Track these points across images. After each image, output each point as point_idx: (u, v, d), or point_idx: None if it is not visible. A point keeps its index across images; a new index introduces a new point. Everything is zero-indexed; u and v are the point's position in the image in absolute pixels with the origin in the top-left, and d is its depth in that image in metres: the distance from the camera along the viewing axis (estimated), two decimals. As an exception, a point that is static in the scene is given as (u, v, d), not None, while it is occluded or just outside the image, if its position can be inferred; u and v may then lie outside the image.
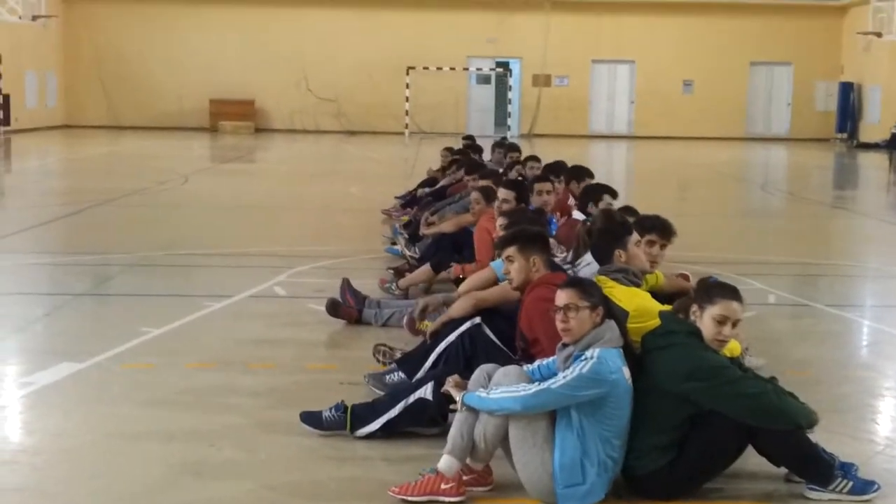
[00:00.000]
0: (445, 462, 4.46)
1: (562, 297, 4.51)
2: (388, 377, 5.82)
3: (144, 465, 4.79)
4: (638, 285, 5.42)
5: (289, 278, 9.27)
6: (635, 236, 5.81)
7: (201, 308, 7.93)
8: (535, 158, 11.94)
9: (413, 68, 34.95)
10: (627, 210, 7.20)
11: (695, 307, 4.53)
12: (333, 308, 7.56)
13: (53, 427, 5.29)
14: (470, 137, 17.85)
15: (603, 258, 5.68)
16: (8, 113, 31.94)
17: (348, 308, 7.56)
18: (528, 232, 5.60)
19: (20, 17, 30.35)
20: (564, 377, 4.34)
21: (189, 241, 11.68)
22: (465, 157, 13.56)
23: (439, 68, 35.25)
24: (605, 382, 4.31)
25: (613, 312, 4.58)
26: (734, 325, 4.47)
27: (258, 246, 11.29)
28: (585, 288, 4.55)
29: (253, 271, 9.69)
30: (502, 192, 8.28)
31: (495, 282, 6.69)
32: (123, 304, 8.47)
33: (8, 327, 7.44)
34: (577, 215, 8.02)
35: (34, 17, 30.99)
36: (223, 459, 4.89)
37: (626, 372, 4.40)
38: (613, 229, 5.84)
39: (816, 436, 4.57)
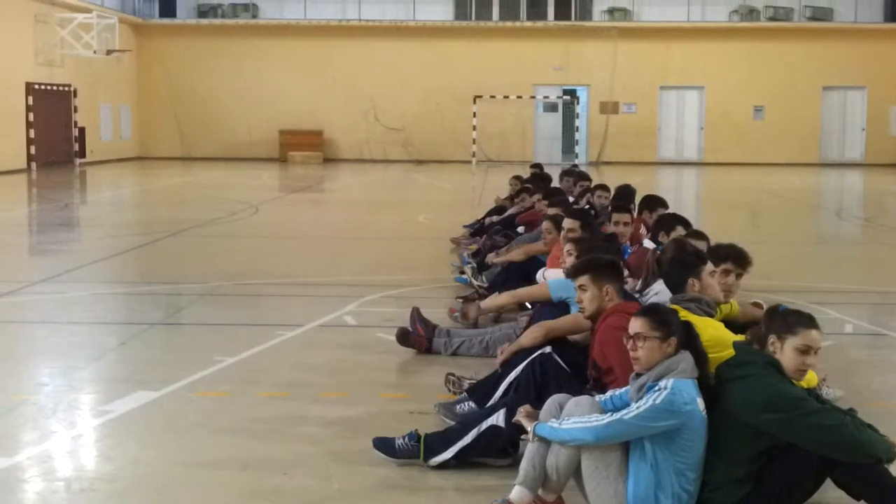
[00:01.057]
0: (517, 493, 4.42)
1: (634, 325, 4.46)
2: (458, 407, 5.80)
3: (219, 493, 4.82)
4: (711, 315, 5.33)
5: (358, 307, 9.30)
6: (710, 266, 5.71)
7: (273, 337, 7.99)
8: (604, 188, 11.85)
9: (480, 97, 35.08)
10: (697, 235, 7.09)
11: (773, 338, 4.41)
12: (403, 337, 7.56)
13: (129, 455, 5.35)
14: (538, 166, 17.83)
15: (676, 287, 5.61)
16: (84, 145, 32.69)
17: (418, 337, 7.55)
18: (601, 261, 5.56)
19: (95, 52, 31.07)
20: (638, 408, 4.27)
21: (260, 270, 11.79)
22: (536, 184, 13.49)
23: (506, 97, 35.33)
24: (679, 413, 4.24)
25: (693, 342, 4.50)
26: (815, 353, 4.37)
27: (328, 275, 11.36)
28: (658, 317, 4.47)
29: (323, 300, 9.75)
30: (567, 222, 8.26)
31: (547, 299, 6.66)
32: (196, 334, 8.57)
33: (84, 356, 7.56)
34: (648, 244, 7.94)
35: (108, 52, 31.70)
36: (296, 487, 4.90)
37: (701, 403, 4.32)
38: (686, 258, 5.75)
39: (899, 468, 4.44)
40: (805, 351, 4.34)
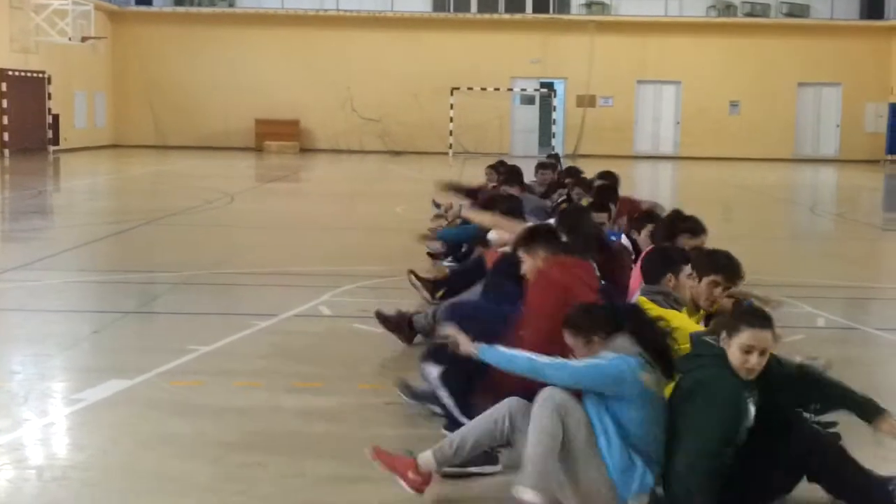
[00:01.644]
0: (426, 458, 4.52)
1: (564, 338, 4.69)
2: (417, 388, 5.79)
3: (193, 482, 4.80)
4: (677, 310, 5.38)
5: (333, 297, 9.28)
6: (688, 268, 5.70)
7: (247, 326, 7.95)
8: (582, 182, 11.69)
9: (457, 89, 35.05)
10: (698, 230, 6.94)
11: (724, 333, 4.47)
12: (385, 319, 7.55)
13: (102, 444, 5.32)
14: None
15: (652, 278, 5.63)
16: (57, 133, 32.43)
17: (399, 323, 7.48)
18: (529, 231, 6.00)
19: (70, 39, 30.82)
20: (583, 362, 4.43)
21: (235, 259, 11.75)
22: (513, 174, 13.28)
23: (483, 89, 35.32)
24: (619, 377, 4.32)
25: (641, 328, 4.55)
26: (762, 353, 4.39)
27: (303, 265, 11.33)
28: (571, 324, 4.64)
29: (298, 290, 9.72)
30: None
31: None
32: (170, 322, 8.54)
33: (57, 344, 7.50)
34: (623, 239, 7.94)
35: (83, 39, 31.46)
36: (270, 477, 4.88)
37: (647, 377, 4.37)
38: (672, 255, 5.78)
39: (870, 462, 4.49)
40: (748, 350, 4.37)
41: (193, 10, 36.58)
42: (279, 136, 36.01)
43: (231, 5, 36.81)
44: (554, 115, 36.21)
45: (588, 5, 36.61)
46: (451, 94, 34.92)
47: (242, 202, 18.74)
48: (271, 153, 34.89)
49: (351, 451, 5.11)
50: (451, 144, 34.97)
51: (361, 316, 8.19)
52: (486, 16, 36.38)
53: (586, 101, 36.82)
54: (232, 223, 15.80)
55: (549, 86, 36.60)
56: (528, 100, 37.49)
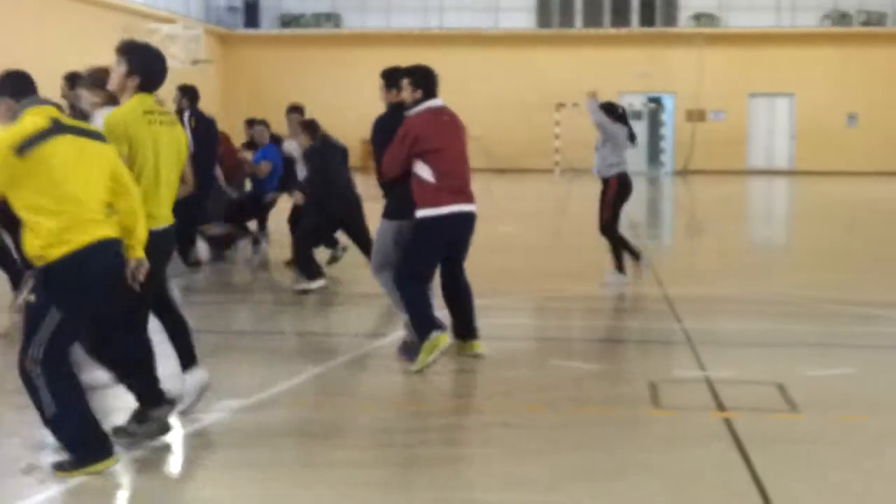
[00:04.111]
0: None
1: None
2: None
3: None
4: None
5: (447, 317, 9.12)
6: None
7: (357, 347, 7.87)
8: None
9: (563, 105, 34.79)
10: None
11: None
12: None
13: (220, 464, 5.26)
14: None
15: None
16: (170, 154, 33.15)
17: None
18: None
19: (181, 63, 31.52)
20: None
21: (338, 280, 11.71)
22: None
23: (590, 104, 34.91)
24: None
25: None
26: None
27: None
28: None
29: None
30: None
31: None
32: (281, 342, 8.49)
33: (174, 365, 7.51)
34: None
35: (194, 62, 32.13)
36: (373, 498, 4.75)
37: None
38: None
39: None
40: None
41: (300, 31, 37.13)
42: (384, 154, 36.16)
43: (336, 26, 37.26)
44: (662, 130, 35.65)
45: (696, 17, 35.99)
46: (557, 110, 34.67)
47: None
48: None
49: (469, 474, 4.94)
50: (557, 161, 34.70)
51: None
52: (592, 30, 36.08)
53: (696, 116, 36.13)
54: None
55: (657, 100, 36.09)
56: (636, 115, 36.99)
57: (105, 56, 22.32)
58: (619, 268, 11.06)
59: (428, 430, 5.90)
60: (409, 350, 7.30)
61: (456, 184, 7.40)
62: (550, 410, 6.20)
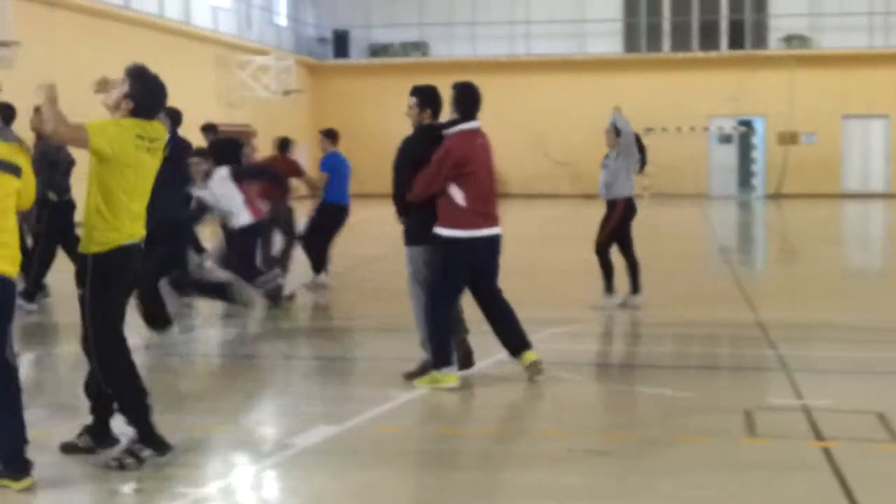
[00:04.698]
0: None
1: None
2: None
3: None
4: None
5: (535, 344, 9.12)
6: None
7: (450, 372, 7.90)
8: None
9: (651, 129, 34.54)
10: None
11: None
12: None
13: (314, 489, 5.33)
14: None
15: None
16: (262, 183, 33.74)
17: None
18: None
19: (273, 93, 32.14)
20: None
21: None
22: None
23: (678, 128, 34.68)
24: None
25: None
26: None
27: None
28: None
29: (493, 337, 9.62)
30: None
31: None
32: (372, 368, 8.58)
33: (267, 391, 7.65)
34: None
35: (285, 93, 32.73)
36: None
37: None
38: None
39: None
40: None
41: (388, 60, 37.56)
42: (472, 181, 36.29)
43: (424, 55, 37.60)
44: (753, 154, 35.15)
45: (787, 40, 35.46)
46: (645, 134, 34.41)
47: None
48: (465, 199, 35.21)
49: (548, 491, 4.93)
50: (645, 186, 34.42)
51: (558, 362, 8.01)
52: (680, 54, 35.80)
53: (788, 139, 35.52)
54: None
55: (748, 123, 35.60)
56: (726, 138, 36.55)
57: (201, 87, 23.07)
58: (609, 289, 11.03)
59: (516, 455, 5.89)
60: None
61: (486, 208, 7.47)
62: (641, 438, 6.15)
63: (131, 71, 5.64)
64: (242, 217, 10.01)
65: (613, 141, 11.10)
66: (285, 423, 6.76)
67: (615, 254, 11.17)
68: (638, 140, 11.26)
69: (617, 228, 10.99)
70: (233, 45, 31.54)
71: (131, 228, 5.52)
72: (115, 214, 5.44)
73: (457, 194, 7.30)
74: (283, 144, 13.97)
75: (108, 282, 5.47)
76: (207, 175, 9.95)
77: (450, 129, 7.48)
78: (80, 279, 5.53)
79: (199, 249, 14.13)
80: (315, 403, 7.19)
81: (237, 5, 32.57)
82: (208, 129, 14.08)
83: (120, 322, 5.59)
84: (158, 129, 5.70)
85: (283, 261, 12.50)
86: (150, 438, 5.52)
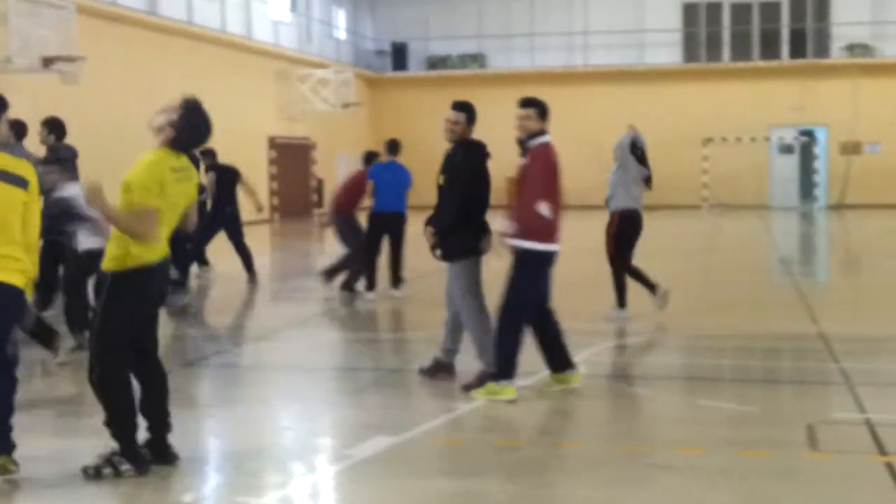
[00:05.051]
0: None
1: None
2: None
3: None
4: None
5: (591, 356, 9.09)
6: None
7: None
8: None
9: (711, 140, 34.25)
10: None
11: None
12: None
13: (372, 500, 5.36)
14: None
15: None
16: (322, 196, 34.03)
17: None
18: None
19: (332, 106, 32.41)
20: None
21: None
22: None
23: (738, 139, 34.32)
24: None
25: None
26: None
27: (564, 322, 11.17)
28: None
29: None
30: None
31: None
32: (432, 380, 8.59)
33: (325, 401, 7.71)
34: None
35: (344, 105, 32.98)
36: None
37: None
38: None
39: None
40: None
41: (446, 72, 37.69)
42: (530, 193, 36.23)
43: (482, 66, 37.67)
44: (815, 164, 34.68)
45: (849, 48, 34.95)
46: (705, 145, 34.14)
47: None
48: (522, 210, 35.16)
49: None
50: (704, 197, 34.13)
51: (618, 375, 7.96)
52: (741, 64, 35.46)
53: (851, 148, 34.95)
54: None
55: (810, 133, 35.13)
56: (787, 148, 36.10)
57: (262, 100, 23.40)
58: (621, 303, 11.06)
59: (573, 469, 5.87)
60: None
61: (558, 223, 7.53)
62: (707, 453, 6.09)
63: (186, 103, 5.66)
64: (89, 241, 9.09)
65: (616, 155, 11.46)
66: (343, 433, 6.79)
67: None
68: (643, 155, 11.31)
69: (617, 239, 11.03)
70: (293, 59, 31.87)
71: (160, 251, 5.60)
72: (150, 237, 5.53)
73: (545, 208, 7.33)
74: (368, 158, 14.14)
75: (125, 299, 5.53)
76: (56, 185, 9.47)
77: (536, 141, 7.47)
78: (97, 294, 5.72)
79: (203, 261, 14.71)
80: (372, 414, 7.22)
81: (298, 19, 32.91)
82: (206, 153, 14.54)
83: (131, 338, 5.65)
84: (185, 159, 5.73)
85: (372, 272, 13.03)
86: (131, 454, 5.57)
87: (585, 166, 36.19)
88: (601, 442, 6.43)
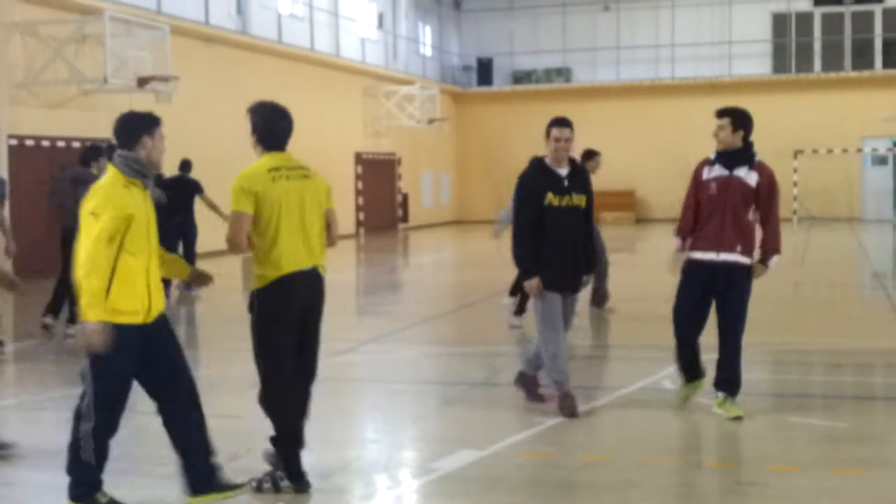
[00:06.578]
0: None
1: None
2: None
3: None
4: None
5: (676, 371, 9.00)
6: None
7: (591, 398, 7.87)
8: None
9: (801, 151, 33.63)
10: None
11: None
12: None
13: (455, 515, 5.39)
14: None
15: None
16: (406, 211, 34.28)
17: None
18: None
19: (417, 122, 32.65)
20: None
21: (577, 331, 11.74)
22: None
23: (830, 150, 33.65)
24: None
25: None
26: None
27: (641, 339, 11.11)
28: None
29: (639, 363, 9.55)
30: None
31: None
32: (516, 394, 8.60)
33: (410, 414, 7.77)
34: None
35: (430, 121, 33.19)
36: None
37: None
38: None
39: None
40: None
41: (531, 87, 37.70)
42: (615, 206, 36.02)
43: (567, 81, 37.59)
44: (909, 176, 33.84)
45: (945, 57, 34.09)
46: (795, 157, 33.54)
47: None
48: (607, 224, 34.95)
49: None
50: (795, 210, 33.52)
51: (709, 392, 7.87)
52: (832, 74, 34.80)
53: (947, 159, 34.02)
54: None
55: (904, 144, 34.30)
56: (881, 160, 35.27)
57: (349, 117, 23.68)
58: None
59: (665, 486, 5.82)
60: (525, 382, 7.80)
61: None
62: (801, 471, 5.99)
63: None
64: None
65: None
66: (428, 447, 6.84)
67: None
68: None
69: None
70: (380, 76, 32.19)
71: (290, 261, 5.53)
72: (277, 248, 5.52)
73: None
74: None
75: (269, 314, 5.57)
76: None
77: (756, 157, 7.52)
78: (250, 309, 5.67)
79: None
80: (458, 428, 7.26)
81: (384, 36, 33.26)
82: (185, 165, 15.33)
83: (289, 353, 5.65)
84: (291, 159, 5.68)
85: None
86: (295, 473, 5.61)
87: (673, 179, 35.87)
88: (688, 458, 6.36)
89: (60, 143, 18.68)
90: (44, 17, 18.64)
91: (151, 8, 21.10)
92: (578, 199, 7.44)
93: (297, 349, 5.63)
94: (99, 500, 5.19)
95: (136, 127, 5.30)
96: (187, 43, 21.73)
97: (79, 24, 18.71)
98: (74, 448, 5.18)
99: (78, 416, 5.18)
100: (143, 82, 18.88)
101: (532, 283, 7.32)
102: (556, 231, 7.32)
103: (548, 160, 7.56)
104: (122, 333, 5.03)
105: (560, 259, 7.31)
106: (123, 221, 5.04)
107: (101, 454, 5.18)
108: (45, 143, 18.62)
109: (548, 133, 7.60)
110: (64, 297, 11.69)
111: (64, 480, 5.20)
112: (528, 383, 7.90)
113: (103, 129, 19.54)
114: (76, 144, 18.04)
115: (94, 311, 4.95)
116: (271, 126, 5.67)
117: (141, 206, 5.18)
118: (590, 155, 12.28)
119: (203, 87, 22.23)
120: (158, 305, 5.24)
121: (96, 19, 18.37)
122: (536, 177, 7.49)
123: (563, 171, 7.50)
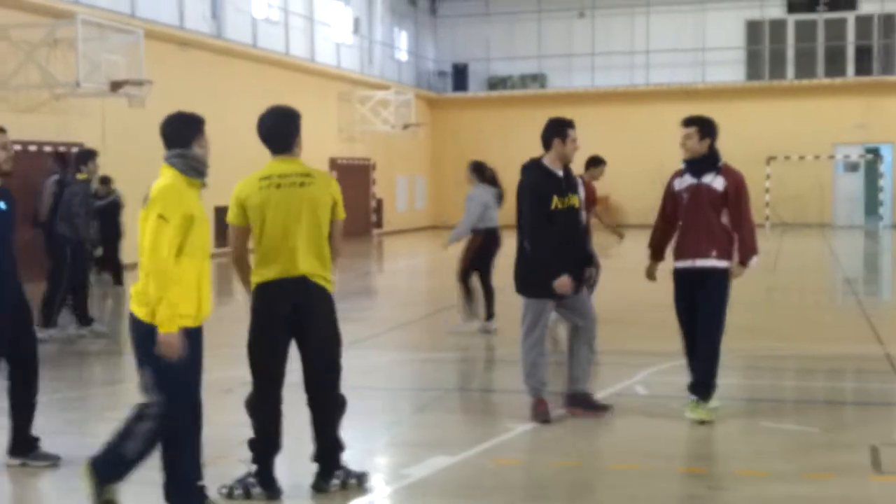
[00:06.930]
0: None
1: None
2: None
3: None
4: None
5: (649, 376, 9.05)
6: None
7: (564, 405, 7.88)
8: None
9: (774, 158, 33.86)
10: None
11: None
12: None
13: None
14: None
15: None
16: (381, 216, 34.25)
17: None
18: None
19: (392, 127, 32.64)
20: None
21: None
22: None
23: (802, 157, 33.89)
24: None
25: None
26: None
27: (613, 344, 11.13)
28: None
29: (612, 368, 9.58)
30: None
31: None
32: (489, 400, 8.61)
33: (383, 421, 7.75)
34: None
35: (405, 126, 33.20)
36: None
37: None
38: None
39: None
40: None
41: (507, 93, 37.77)
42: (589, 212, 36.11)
43: (542, 86, 37.69)
44: (881, 182, 34.10)
45: (916, 65, 34.42)
46: (768, 163, 33.77)
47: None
48: (583, 230, 35.06)
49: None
50: (767, 216, 33.73)
51: (678, 395, 7.90)
52: (805, 81, 35.07)
53: (918, 166, 34.35)
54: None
55: (875, 151, 34.59)
56: (852, 167, 35.58)
57: (324, 121, 23.54)
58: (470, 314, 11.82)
59: (636, 492, 5.84)
60: (577, 402, 7.53)
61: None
62: (772, 476, 6.02)
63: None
64: None
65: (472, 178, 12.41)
66: (400, 453, 6.83)
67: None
68: (494, 176, 12.75)
69: (474, 256, 12.17)
70: (355, 81, 32.17)
71: (271, 268, 5.56)
72: (262, 254, 5.60)
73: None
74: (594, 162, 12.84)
75: (253, 317, 5.65)
76: None
77: (720, 161, 7.67)
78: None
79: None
80: (430, 434, 7.25)
81: (360, 42, 33.24)
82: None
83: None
84: (292, 165, 5.66)
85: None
86: (264, 478, 5.66)
87: (645, 185, 36.03)
88: (658, 463, 6.38)
89: (32, 148, 18.55)
90: (15, 20, 18.50)
91: (125, 12, 20.99)
92: (574, 200, 7.51)
93: (282, 358, 5.68)
94: (104, 494, 5.16)
95: (190, 126, 5.25)
96: (161, 47, 21.62)
97: (51, 28, 18.60)
98: (124, 435, 5.14)
99: (139, 417, 5.13)
100: (116, 86, 18.78)
101: (563, 281, 7.23)
102: (559, 233, 7.34)
103: (547, 162, 7.51)
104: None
105: (562, 261, 7.29)
106: (189, 223, 5.02)
107: (143, 455, 5.15)
108: (17, 148, 18.46)
109: (558, 133, 7.46)
110: (85, 300, 11.72)
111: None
112: (581, 402, 7.59)
113: (76, 134, 19.51)
114: (48, 149, 17.91)
115: (175, 321, 4.92)
116: (260, 130, 5.71)
117: (200, 207, 5.17)
118: (596, 162, 12.17)
119: (177, 92, 22.11)
120: (206, 309, 5.20)
121: (69, 23, 18.26)
122: (543, 180, 7.46)
123: (560, 172, 7.53)
